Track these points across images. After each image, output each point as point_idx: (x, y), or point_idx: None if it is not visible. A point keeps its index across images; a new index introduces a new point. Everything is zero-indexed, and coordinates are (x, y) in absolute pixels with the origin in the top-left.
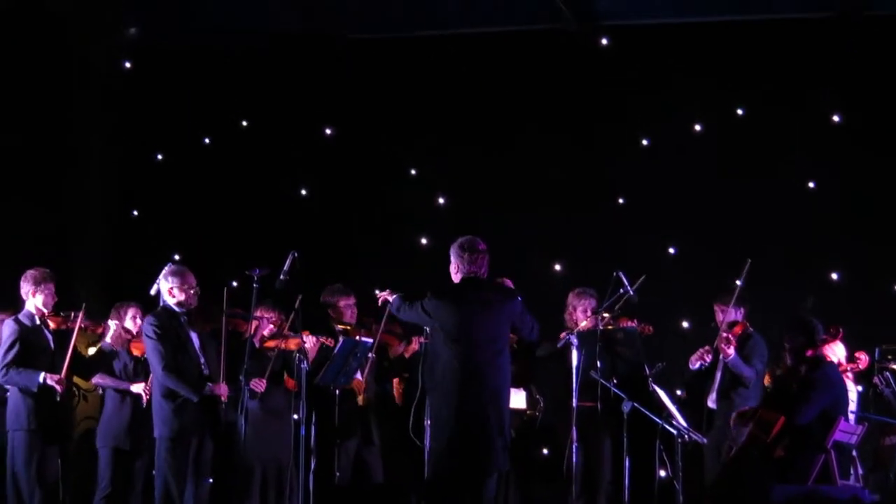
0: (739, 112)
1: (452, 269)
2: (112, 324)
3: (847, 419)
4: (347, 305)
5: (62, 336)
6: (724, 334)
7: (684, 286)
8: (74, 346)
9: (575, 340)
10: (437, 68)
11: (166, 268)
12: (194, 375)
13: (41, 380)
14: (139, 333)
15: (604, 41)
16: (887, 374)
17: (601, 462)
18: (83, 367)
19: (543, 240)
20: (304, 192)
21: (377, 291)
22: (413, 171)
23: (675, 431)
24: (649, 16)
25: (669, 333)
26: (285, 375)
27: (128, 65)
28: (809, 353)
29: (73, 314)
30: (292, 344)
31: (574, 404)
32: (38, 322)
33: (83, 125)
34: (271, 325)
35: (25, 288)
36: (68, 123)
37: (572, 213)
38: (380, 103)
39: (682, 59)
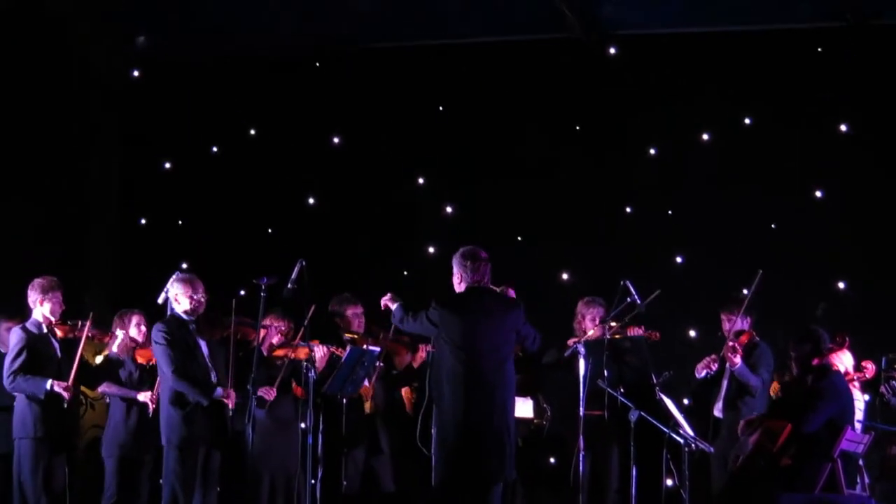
0: (747, 121)
1: (455, 279)
2: (119, 333)
3: (854, 428)
4: (355, 315)
5: (69, 344)
6: (731, 343)
7: (691, 295)
8: (81, 355)
9: (582, 349)
10: (445, 77)
11: (175, 275)
12: (204, 380)
13: (48, 387)
14: (144, 341)
15: (612, 51)
16: (894, 383)
17: (608, 471)
18: (90, 375)
19: (551, 249)
20: (311, 200)
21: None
22: (421, 180)
23: (682, 440)
24: (657, 25)
25: (676, 342)
26: (293, 383)
27: (136, 73)
28: (816, 362)
29: (80, 323)
30: (301, 353)
31: (581, 413)
32: (45, 330)
33: (91, 133)
34: (279, 335)
35: (33, 296)
36: (76, 132)
37: (580, 222)
38: (387, 112)
39: (689, 68)
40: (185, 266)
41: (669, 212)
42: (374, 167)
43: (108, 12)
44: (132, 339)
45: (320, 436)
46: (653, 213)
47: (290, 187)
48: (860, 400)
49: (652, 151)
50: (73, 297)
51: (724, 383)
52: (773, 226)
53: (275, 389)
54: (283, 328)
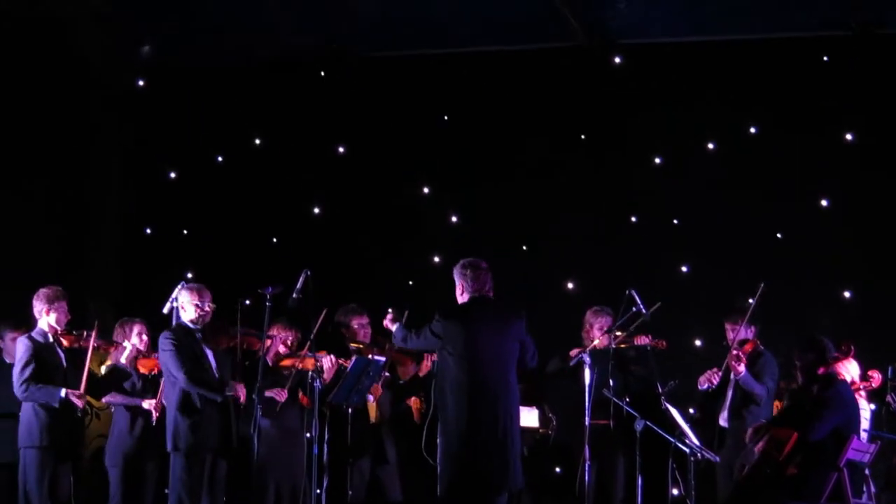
0: (752, 130)
1: (458, 290)
2: (128, 343)
3: (860, 437)
4: (361, 325)
5: (74, 354)
6: (735, 352)
7: (697, 304)
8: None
9: (587, 358)
10: (450, 86)
11: (180, 285)
12: (214, 380)
13: (63, 395)
14: (146, 350)
15: (617, 59)
16: None
17: (614, 480)
18: (95, 385)
19: (556, 258)
20: (316, 210)
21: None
22: (425, 189)
23: (687, 450)
24: (662, 34)
25: (682, 352)
26: (300, 393)
27: (141, 83)
28: (821, 370)
29: (85, 333)
30: (309, 363)
31: (587, 422)
32: (51, 340)
33: (96, 143)
34: (282, 345)
35: (38, 306)
36: (81, 141)
37: (585, 232)
38: (392, 121)
39: (693, 77)
40: (190, 276)
41: (675, 220)
42: (378, 176)
43: (113, 21)
44: (135, 349)
45: (326, 445)
46: (658, 221)
47: (295, 196)
48: (866, 409)
49: (657, 160)
50: (78, 306)
51: (730, 392)
52: (778, 234)
53: (286, 391)
54: (290, 338)
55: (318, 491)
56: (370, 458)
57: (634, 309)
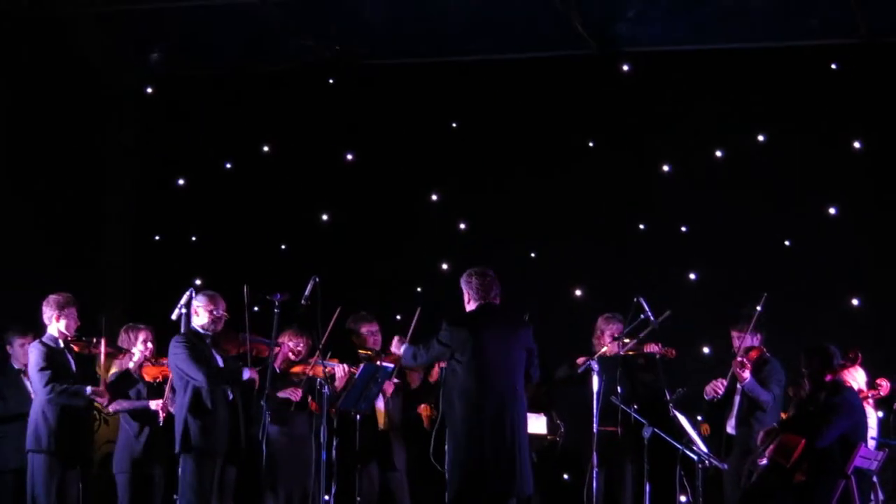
0: (760, 138)
1: (465, 298)
2: (136, 350)
3: (867, 445)
4: (370, 332)
5: (83, 361)
6: (740, 359)
7: (705, 312)
8: (97, 371)
9: (596, 366)
10: (459, 94)
11: (188, 291)
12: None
13: (88, 391)
14: (152, 357)
15: (625, 67)
16: None
17: (622, 487)
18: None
19: (564, 265)
20: (325, 217)
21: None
22: (434, 197)
23: (695, 457)
24: (671, 43)
25: (690, 359)
26: (309, 399)
27: (150, 90)
28: (828, 377)
29: (94, 340)
30: (319, 370)
31: (595, 429)
32: (61, 345)
33: (106, 149)
34: (291, 353)
35: (48, 312)
36: (91, 148)
37: (593, 239)
38: (401, 129)
39: (703, 85)
40: (198, 282)
41: (683, 228)
42: (387, 183)
43: (123, 29)
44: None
45: (334, 451)
46: (666, 229)
47: (304, 203)
48: (873, 417)
49: (665, 167)
50: (86, 312)
51: (737, 400)
52: (786, 242)
53: (300, 390)
54: (300, 345)
55: (327, 497)
56: (379, 465)
57: (643, 316)
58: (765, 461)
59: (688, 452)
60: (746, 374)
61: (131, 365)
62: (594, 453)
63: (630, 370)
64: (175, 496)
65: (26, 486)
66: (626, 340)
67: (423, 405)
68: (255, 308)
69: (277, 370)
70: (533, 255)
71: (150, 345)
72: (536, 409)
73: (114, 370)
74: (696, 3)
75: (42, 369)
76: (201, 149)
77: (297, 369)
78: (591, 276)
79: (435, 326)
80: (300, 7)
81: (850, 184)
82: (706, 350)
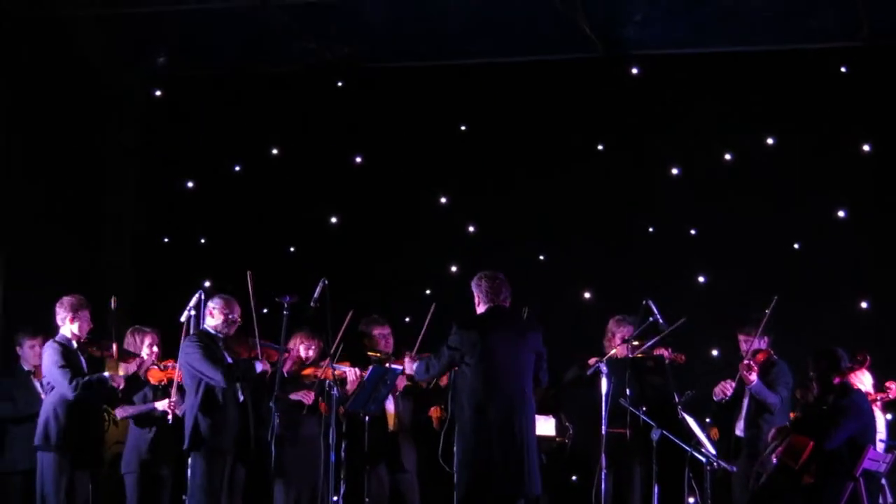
0: (769, 141)
1: (476, 302)
2: (145, 355)
3: (876, 447)
4: (381, 335)
5: (92, 363)
6: (747, 361)
7: (713, 314)
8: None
9: (604, 368)
10: (467, 97)
11: (197, 294)
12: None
13: (107, 375)
14: (157, 361)
15: (633, 70)
16: None
17: (631, 489)
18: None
19: (573, 267)
20: (333, 219)
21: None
22: (443, 199)
23: (703, 459)
24: (678, 45)
25: (699, 361)
26: (319, 400)
27: (158, 93)
28: (837, 380)
29: (105, 342)
30: (330, 373)
31: (604, 431)
32: (75, 346)
33: (113, 153)
34: (303, 353)
35: (62, 313)
36: (99, 151)
37: (602, 241)
38: (409, 131)
39: (711, 88)
40: (207, 284)
41: (691, 231)
42: (395, 186)
43: (125, 31)
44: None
45: (343, 453)
46: (674, 232)
47: (312, 206)
48: (882, 419)
49: (673, 170)
50: (94, 314)
51: (745, 402)
52: (795, 245)
53: (313, 393)
54: (312, 349)
55: (336, 498)
56: (388, 466)
57: (651, 319)
58: (774, 461)
59: (696, 454)
60: (753, 377)
61: (140, 371)
62: (603, 455)
63: (639, 373)
64: (184, 496)
65: (36, 485)
66: (636, 343)
67: (433, 407)
68: (264, 310)
69: (286, 374)
70: (541, 257)
71: (155, 348)
72: (545, 412)
73: (121, 373)
74: (701, 6)
75: (63, 367)
76: (210, 151)
77: (307, 372)
78: (599, 279)
79: (445, 330)
80: (303, 10)
81: (857, 187)
82: (714, 352)
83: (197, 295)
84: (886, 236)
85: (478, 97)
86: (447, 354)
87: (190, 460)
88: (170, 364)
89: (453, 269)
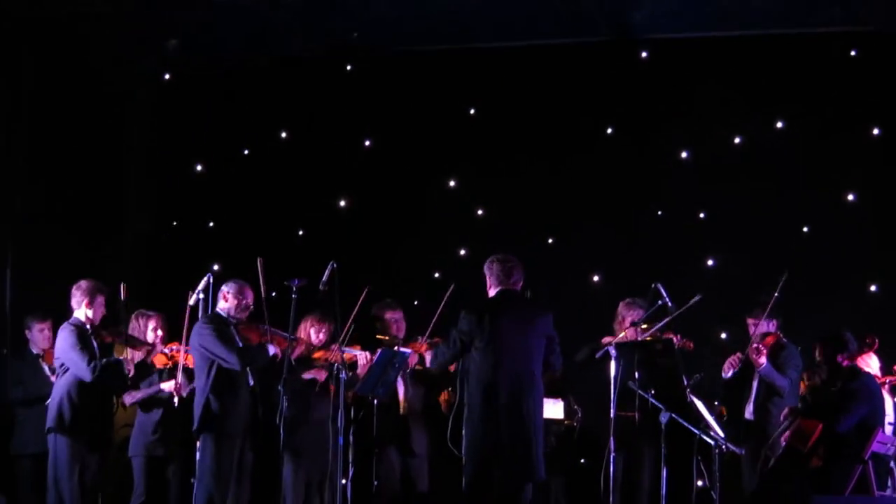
0: (779, 125)
1: (487, 285)
2: (150, 339)
3: (884, 430)
4: (394, 319)
5: (103, 349)
6: (755, 345)
7: (723, 298)
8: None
9: (613, 351)
10: (476, 81)
11: (206, 277)
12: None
13: (123, 359)
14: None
15: (643, 54)
16: None
17: (640, 471)
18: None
19: (582, 251)
20: (342, 203)
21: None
22: (452, 183)
23: (712, 442)
24: (688, 29)
25: (708, 345)
26: (331, 384)
27: (167, 77)
28: (846, 363)
29: (115, 329)
30: (340, 356)
31: (612, 414)
32: (89, 330)
33: (123, 137)
34: (315, 336)
35: (78, 297)
36: (108, 135)
37: (611, 225)
38: (418, 115)
39: (720, 72)
40: (216, 268)
41: (701, 214)
42: (404, 169)
43: (140, 16)
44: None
45: (351, 436)
46: (684, 216)
47: (321, 189)
48: (889, 402)
49: (683, 154)
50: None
51: (754, 385)
52: (804, 228)
53: (325, 371)
54: (323, 332)
55: (344, 481)
56: (398, 450)
57: (660, 302)
58: (782, 444)
59: (705, 437)
60: (763, 360)
61: (143, 356)
62: (612, 438)
63: (648, 356)
64: (192, 479)
65: (48, 468)
66: (644, 326)
67: (443, 392)
68: (273, 294)
69: (293, 360)
70: (550, 240)
71: (159, 332)
72: (554, 395)
73: (133, 359)
74: None
75: (81, 349)
76: (219, 135)
77: (318, 355)
78: (607, 263)
79: (455, 314)
80: None
81: (868, 170)
82: (723, 335)
83: (206, 278)
84: (895, 220)
85: (487, 81)
86: (457, 339)
87: (199, 443)
88: (174, 347)
89: (462, 252)
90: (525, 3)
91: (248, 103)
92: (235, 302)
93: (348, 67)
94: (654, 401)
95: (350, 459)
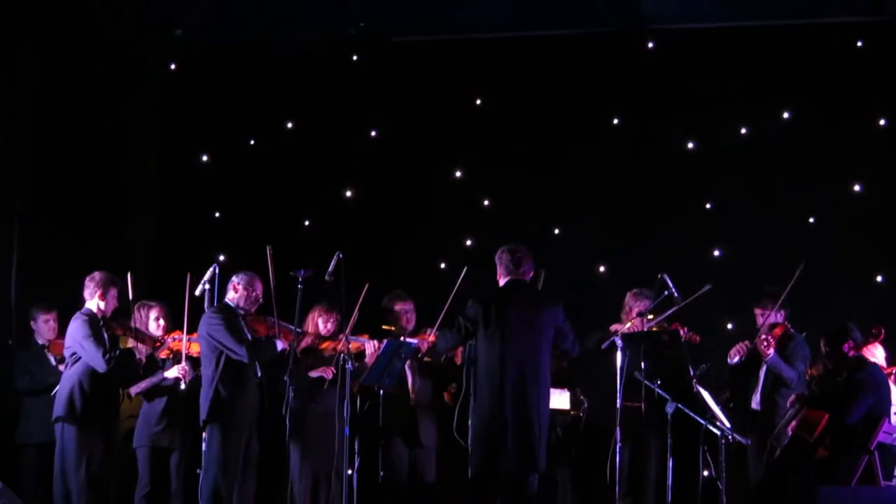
0: (785, 115)
1: (497, 275)
2: (169, 339)
3: (890, 420)
4: (403, 310)
5: (112, 341)
6: (763, 336)
7: (729, 289)
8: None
9: (620, 342)
10: (483, 71)
11: (212, 267)
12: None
13: (132, 345)
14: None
15: (649, 45)
16: None
17: (646, 462)
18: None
19: (588, 242)
20: (348, 193)
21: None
22: (458, 173)
23: (718, 432)
24: (695, 20)
25: (714, 336)
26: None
27: (173, 66)
28: (851, 353)
29: (124, 321)
30: (348, 346)
31: (618, 404)
32: (101, 321)
33: (129, 126)
34: (323, 327)
35: (91, 287)
36: (114, 124)
37: (617, 216)
38: (425, 105)
39: (727, 62)
40: (222, 258)
41: (707, 205)
42: (411, 160)
43: (146, 5)
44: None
45: (358, 427)
46: (690, 206)
47: (328, 180)
48: (895, 392)
49: (689, 145)
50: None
51: (761, 375)
52: (811, 219)
53: (332, 368)
54: (330, 322)
55: (350, 471)
56: (405, 440)
57: (666, 293)
58: (789, 434)
59: (711, 428)
60: (770, 351)
61: (160, 353)
62: (618, 429)
63: (654, 346)
64: (198, 470)
65: (55, 458)
66: (651, 317)
67: (448, 386)
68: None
69: (299, 352)
70: (556, 231)
71: (162, 322)
72: (560, 385)
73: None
74: None
75: (96, 339)
76: (225, 125)
77: (326, 345)
78: (614, 253)
79: (462, 304)
80: None
81: (874, 161)
82: (729, 325)
83: (211, 269)
84: None
85: (493, 71)
86: (462, 326)
87: (206, 433)
88: (177, 336)
89: (468, 243)
90: None
91: (253, 94)
92: (245, 294)
93: (354, 58)
94: (660, 391)
95: (356, 450)
